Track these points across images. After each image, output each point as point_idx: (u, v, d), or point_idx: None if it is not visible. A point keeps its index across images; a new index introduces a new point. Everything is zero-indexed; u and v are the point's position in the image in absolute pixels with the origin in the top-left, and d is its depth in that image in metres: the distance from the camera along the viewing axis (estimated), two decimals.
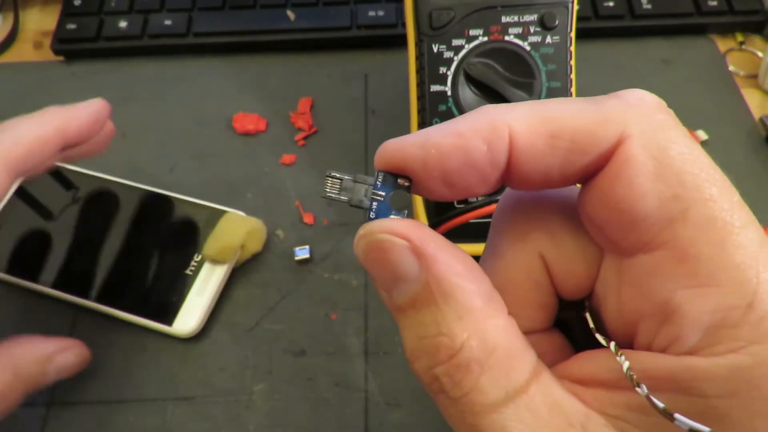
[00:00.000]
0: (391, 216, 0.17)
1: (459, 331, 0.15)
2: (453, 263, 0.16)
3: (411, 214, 0.37)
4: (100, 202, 0.40)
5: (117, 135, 0.37)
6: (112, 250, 0.38)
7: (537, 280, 0.17)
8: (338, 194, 0.17)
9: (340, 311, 0.37)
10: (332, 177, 0.17)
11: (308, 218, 0.40)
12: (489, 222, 0.19)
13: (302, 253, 0.38)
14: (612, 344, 0.15)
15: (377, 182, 0.17)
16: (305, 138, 0.44)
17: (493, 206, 0.19)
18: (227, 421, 0.33)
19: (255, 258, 0.39)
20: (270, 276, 0.38)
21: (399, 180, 0.17)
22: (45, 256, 0.38)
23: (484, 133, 0.15)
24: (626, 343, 0.16)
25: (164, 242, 0.38)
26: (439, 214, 0.34)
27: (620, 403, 0.15)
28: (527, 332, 0.17)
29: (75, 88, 0.48)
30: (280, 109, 0.46)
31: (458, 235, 0.35)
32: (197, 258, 0.37)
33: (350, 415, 0.33)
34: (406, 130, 0.37)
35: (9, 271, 0.37)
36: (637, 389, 0.14)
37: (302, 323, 0.36)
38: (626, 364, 0.15)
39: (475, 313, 0.15)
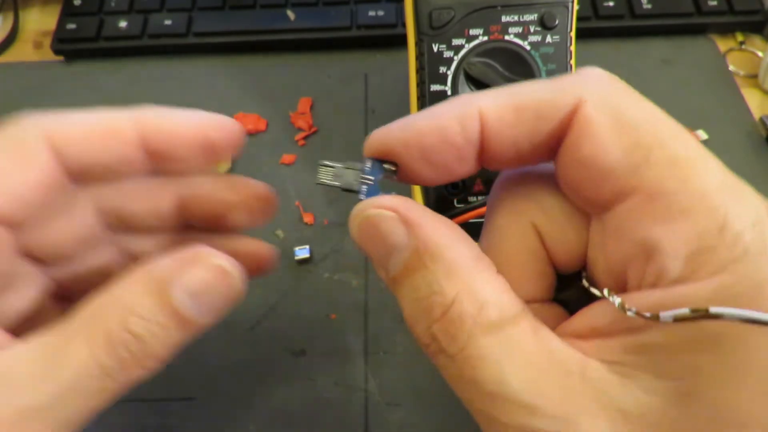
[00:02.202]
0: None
1: (449, 289, 0.16)
2: (439, 227, 0.17)
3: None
4: None
5: None
6: None
7: (532, 248, 0.18)
8: (331, 180, 0.19)
9: (340, 311, 0.37)
10: (325, 165, 0.19)
11: (308, 218, 0.40)
12: None
13: (302, 253, 0.38)
14: (605, 290, 0.16)
15: (365, 167, 0.19)
16: (305, 138, 0.44)
17: None
18: (227, 421, 0.33)
19: None
20: (270, 276, 0.38)
21: (385, 165, 0.19)
22: None
23: (457, 113, 0.17)
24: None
25: None
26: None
27: (617, 347, 0.16)
28: (528, 301, 0.18)
29: (75, 88, 0.48)
30: (280, 109, 0.46)
31: None
32: None
33: (350, 415, 0.33)
34: None
35: None
36: (611, 299, 0.15)
37: (302, 323, 0.36)
38: (618, 300, 0.15)
39: (464, 270, 0.16)
